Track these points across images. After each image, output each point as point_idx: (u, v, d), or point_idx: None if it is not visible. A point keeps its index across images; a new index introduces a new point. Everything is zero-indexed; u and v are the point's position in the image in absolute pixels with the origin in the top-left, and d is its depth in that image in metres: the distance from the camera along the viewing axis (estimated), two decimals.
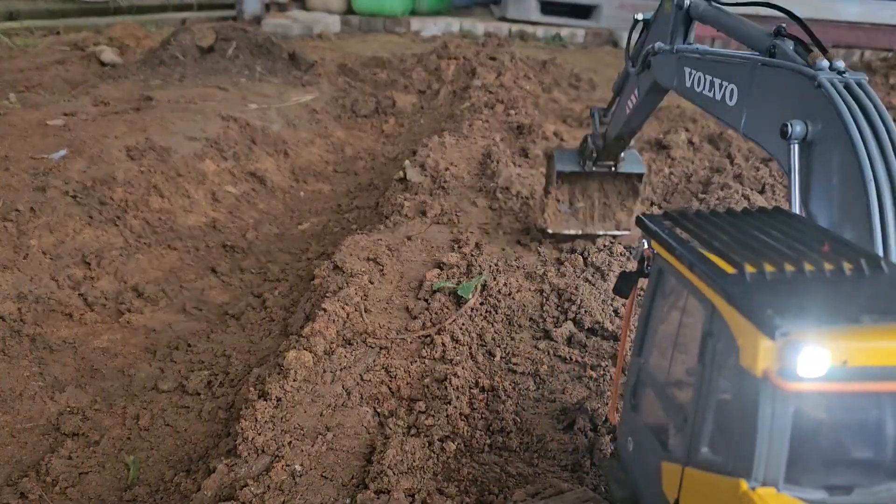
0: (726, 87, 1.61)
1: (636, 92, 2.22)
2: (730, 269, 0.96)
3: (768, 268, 0.93)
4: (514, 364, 2.15)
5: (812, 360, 0.81)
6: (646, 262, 1.24)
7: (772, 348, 0.83)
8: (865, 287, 0.92)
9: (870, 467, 0.90)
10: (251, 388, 1.94)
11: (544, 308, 2.39)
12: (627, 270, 1.32)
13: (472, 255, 2.67)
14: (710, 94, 1.68)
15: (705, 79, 1.70)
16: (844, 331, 0.84)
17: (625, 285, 1.33)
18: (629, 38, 2.25)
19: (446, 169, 3.51)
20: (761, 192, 3.45)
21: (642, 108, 2.26)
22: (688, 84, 1.80)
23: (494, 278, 2.49)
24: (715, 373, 0.97)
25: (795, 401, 0.85)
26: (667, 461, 1.11)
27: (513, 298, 2.41)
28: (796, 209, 1.32)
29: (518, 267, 2.64)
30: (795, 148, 1.33)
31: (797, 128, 1.32)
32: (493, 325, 2.31)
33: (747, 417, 0.87)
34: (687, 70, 1.80)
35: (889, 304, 0.88)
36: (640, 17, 2.19)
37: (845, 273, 0.93)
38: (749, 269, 0.93)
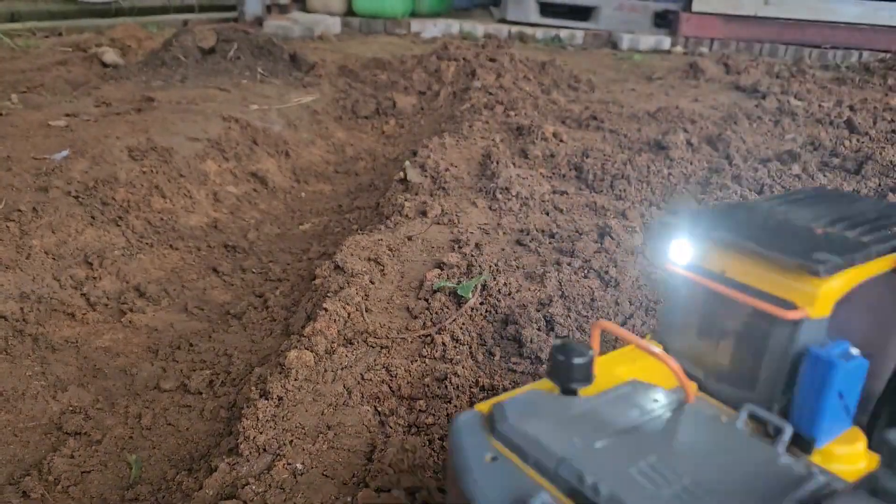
0: None
1: None
2: None
3: None
4: (514, 364, 2.16)
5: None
6: None
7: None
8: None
9: None
10: (253, 388, 1.95)
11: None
12: None
13: (472, 255, 2.68)
14: None
15: None
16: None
17: None
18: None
19: (446, 169, 3.53)
20: (759, 192, 3.46)
21: None
22: None
23: (494, 278, 2.50)
24: None
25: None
26: None
27: (512, 298, 2.42)
28: None
29: (518, 267, 2.66)
30: None
31: None
32: (492, 325, 2.32)
33: None
34: None
35: None
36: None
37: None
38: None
